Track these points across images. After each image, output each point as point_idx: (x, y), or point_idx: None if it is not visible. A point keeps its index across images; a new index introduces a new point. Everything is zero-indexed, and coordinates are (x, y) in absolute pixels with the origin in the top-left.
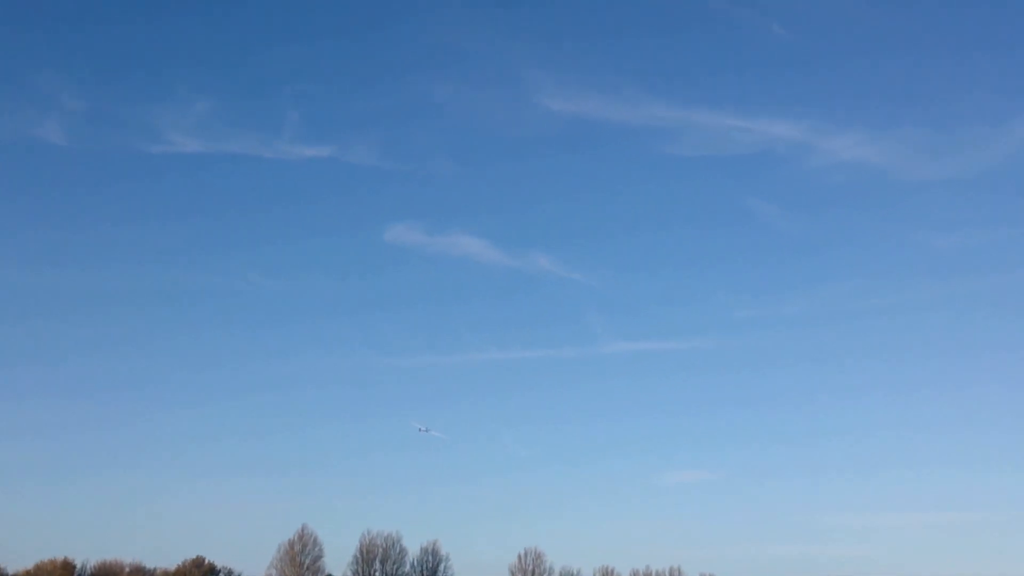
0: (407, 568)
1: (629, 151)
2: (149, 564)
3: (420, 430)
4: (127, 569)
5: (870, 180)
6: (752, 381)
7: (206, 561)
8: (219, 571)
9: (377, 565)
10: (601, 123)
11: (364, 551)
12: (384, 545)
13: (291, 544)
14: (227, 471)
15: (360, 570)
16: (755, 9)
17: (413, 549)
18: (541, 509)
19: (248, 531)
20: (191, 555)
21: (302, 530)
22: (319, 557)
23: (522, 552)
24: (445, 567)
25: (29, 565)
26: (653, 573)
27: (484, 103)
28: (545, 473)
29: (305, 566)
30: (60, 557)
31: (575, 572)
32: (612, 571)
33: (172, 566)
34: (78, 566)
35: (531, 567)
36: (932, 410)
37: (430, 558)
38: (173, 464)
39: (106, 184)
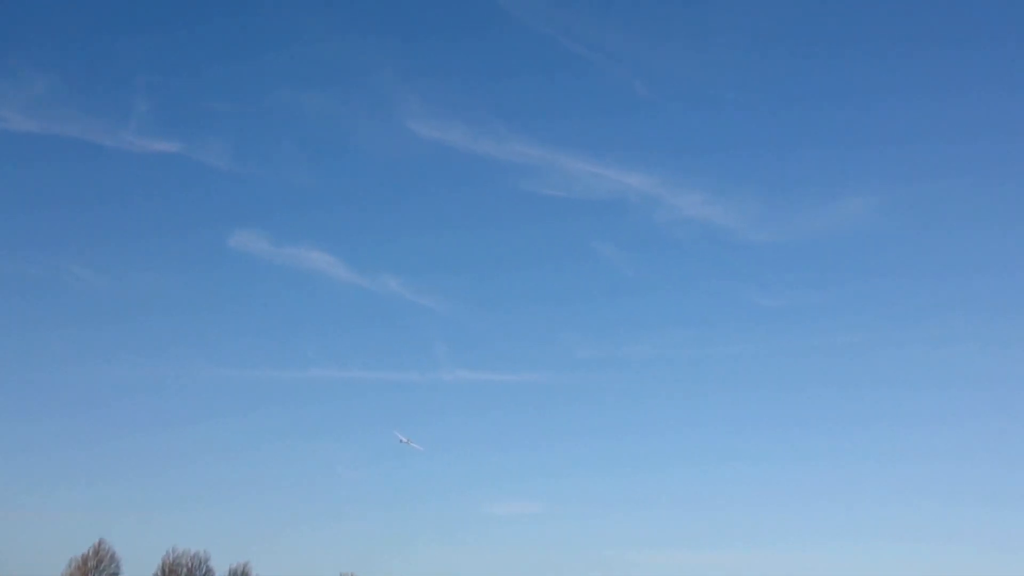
0: None
1: (490, 184)
2: None
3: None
4: None
5: (711, 237)
6: (587, 417)
7: None
8: None
9: None
10: (465, 154)
11: (166, 570)
12: (189, 564)
13: (84, 559)
14: (20, 480)
15: None
16: (622, 65)
17: (221, 570)
18: (364, 533)
19: (39, 545)
20: None
21: (98, 545)
22: (115, 574)
23: None
24: None
25: None
26: None
27: (349, 119)
28: (374, 497)
29: None
30: None
31: None
32: None
33: None
34: None
35: None
36: (757, 449)
37: None
38: None
39: None
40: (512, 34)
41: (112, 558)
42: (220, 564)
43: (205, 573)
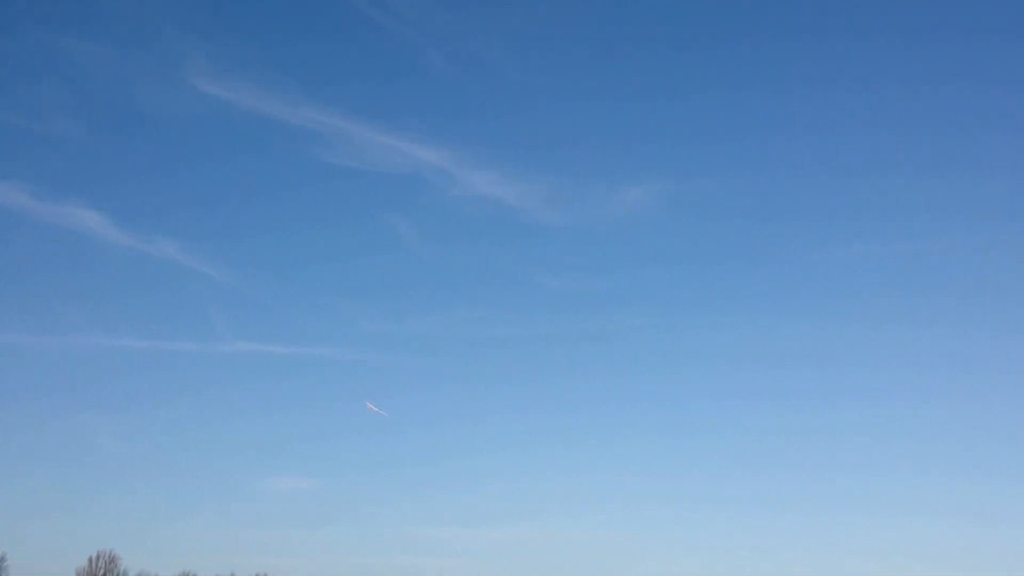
0: None
1: (279, 150)
2: None
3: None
4: None
5: (503, 218)
6: (369, 393)
7: None
8: None
9: None
10: (255, 116)
11: None
12: None
13: None
14: None
15: None
16: (422, 38)
17: None
18: (125, 511)
19: None
20: None
21: None
22: None
23: (93, 555)
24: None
25: None
26: None
27: (130, 72)
28: (140, 472)
29: None
30: None
31: None
32: None
33: None
34: None
35: (102, 571)
36: (539, 429)
37: None
38: None
39: None
40: None
41: None
42: None
43: None
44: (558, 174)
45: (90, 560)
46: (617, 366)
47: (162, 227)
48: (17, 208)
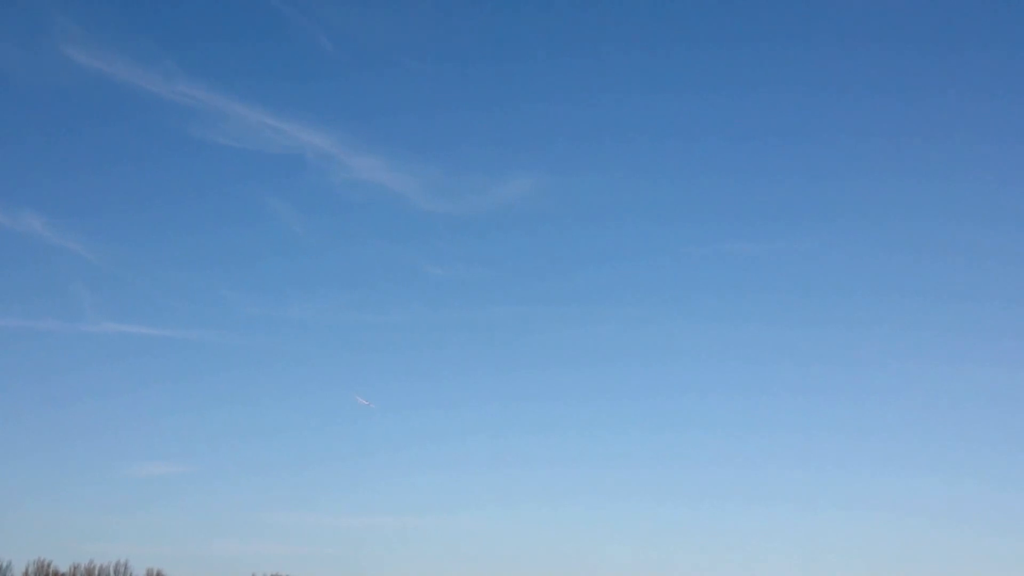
0: None
1: (154, 124)
2: None
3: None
4: None
5: (386, 204)
6: (244, 378)
7: None
8: None
9: None
10: (128, 88)
11: None
12: None
13: None
14: None
15: None
16: (309, 19)
17: None
18: None
19: None
20: None
21: None
22: None
23: None
24: None
25: None
26: (96, 568)
27: None
28: None
29: None
30: None
31: (3, 566)
32: (48, 565)
33: None
34: None
35: None
36: (412, 416)
37: None
38: None
39: None
40: None
41: None
42: None
43: None
44: (443, 163)
45: None
46: (496, 357)
47: (27, 201)
48: None
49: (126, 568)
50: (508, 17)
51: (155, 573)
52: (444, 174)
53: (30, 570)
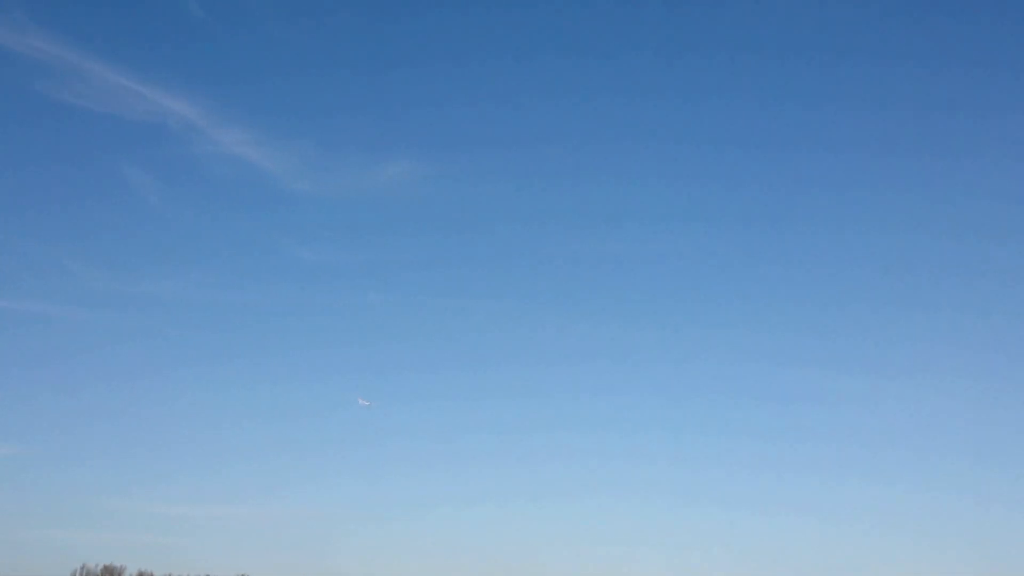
0: None
1: (1, 80)
2: None
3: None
4: None
5: (253, 181)
6: (94, 355)
7: None
8: None
9: None
10: None
11: None
12: None
13: None
14: None
15: None
16: None
17: None
18: None
19: None
20: None
21: None
22: None
23: None
24: None
25: None
26: None
27: None
28: None
29: None
30: None
31: None
32: None
33: None
34: None
35: None
36: (284, 403)
37: None
38: None
39: None
40: None
41: None
42: None
43: None
44: (316, 142)
45: None
46: (363, 344)
47: None
48: None
49: None
50: None
51: None
52: (317, 154)
53: None
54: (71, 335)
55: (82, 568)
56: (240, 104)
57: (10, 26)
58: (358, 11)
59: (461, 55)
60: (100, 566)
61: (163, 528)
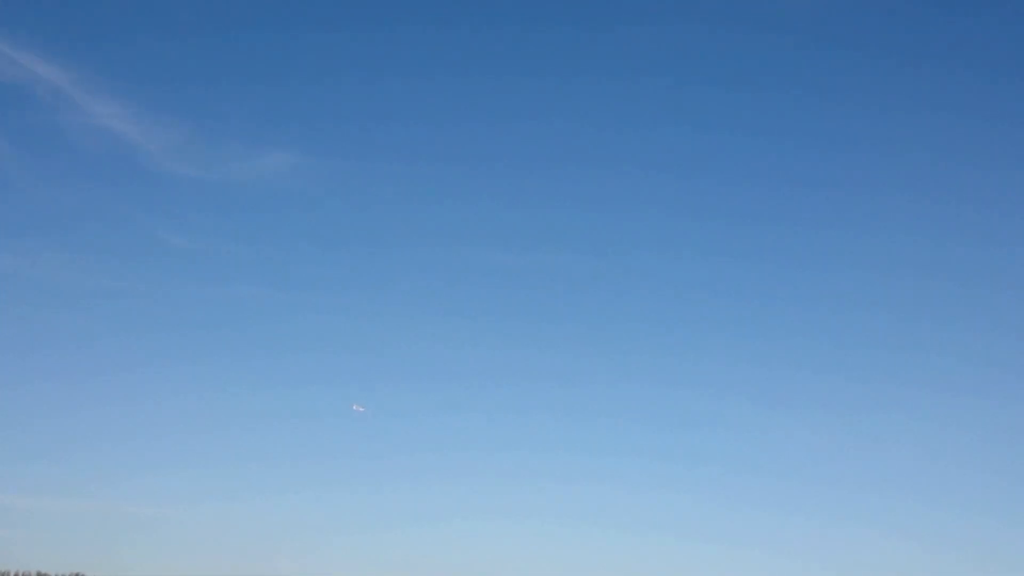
0: None
1: None
2: None
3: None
4: None
5: (124, 158)
6: None
7: None
8: None
9: None
10: None
11: None
12: None
13: None
14: None
15: None
16: None
17: None
18: None
19: None
20: None
21: None
22: None
23: None
24: None
25: None
26: None
27: None
28: None
29: None
30: None
31: None
32: None
33: None
34: None
35: None
36: (139, 388)
37: None
38: None
39: None
40: None
41: None
42: None
43: None
44: (196, 123)
45: None
46: (234, 339)
47: None
48: None
49: None
50: None
51: None
52: (196, 136)
53: None
54: None
55: None
56: (117, 74)
57: None
58: None
59: (350, 58)
60: None
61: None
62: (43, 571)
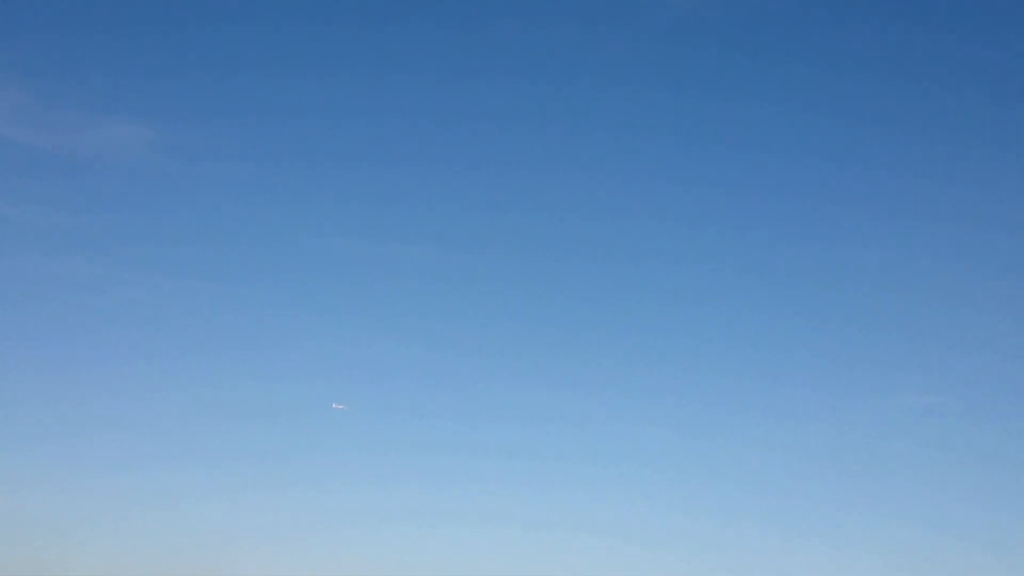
0: None
1: None
2: None
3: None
4: None
5: None
6: None
7: None
8: None
9: None
10: None
11: None
12: None
13: None
14: None
15: None
16: None
17: None
18: None
19: None
20: None
21: None
22: None
23: None
24: None
25: None
26: None
27: None
28: None
29: None
30: None
31: None
32: None
33: None
34: None
35: None
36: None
37: None
38: None
39: None
40: None
41: None
42: None
43: None
44: (35, 88)
45: None
46: (69, 314)
47: None
48: None
49: None
50: None
51: None
52: (35, 101)
53: None
54: None
55: None
56: None
57: None
58: None
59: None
60: None
61: None
62: None
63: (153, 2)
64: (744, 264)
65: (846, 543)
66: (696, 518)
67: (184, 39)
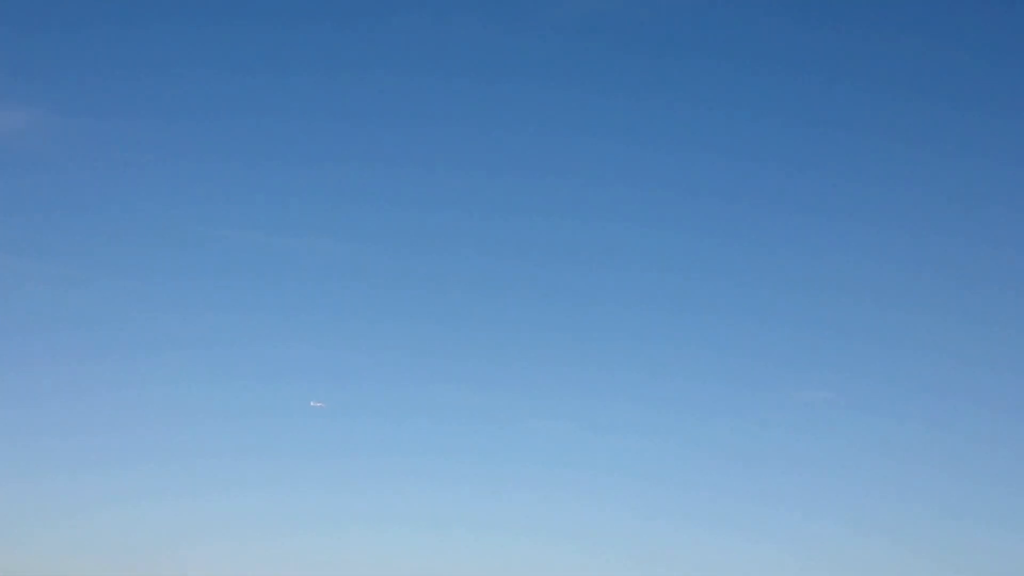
0: None
1: None
2: None
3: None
4: None
5: None
6: None
7: None
8: None
9: None
10: None
11: None
12: None
13: None
14: None
15: None
16: None
17: None
18: None
19: None
20: None
21: None
22: None
23: None
24: None
25: None
26: None
27: None
28: None
29: None
30: None
31: None
32: None
33: None
34: None
35: None
36: None
37: None
38: None
39: None
40: None
41: None
42: None
43: None
44: None
45: None
46: None
47: None
48: None
49: None
50: None
51: None
52: None
53: None
54: None
55: None
56: None
57: None
58: None
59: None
60: None
61: None
62: None
63: None
64: (645, 259)
65: (751, 535)
66: (600, 512)
67: (90, 33)
